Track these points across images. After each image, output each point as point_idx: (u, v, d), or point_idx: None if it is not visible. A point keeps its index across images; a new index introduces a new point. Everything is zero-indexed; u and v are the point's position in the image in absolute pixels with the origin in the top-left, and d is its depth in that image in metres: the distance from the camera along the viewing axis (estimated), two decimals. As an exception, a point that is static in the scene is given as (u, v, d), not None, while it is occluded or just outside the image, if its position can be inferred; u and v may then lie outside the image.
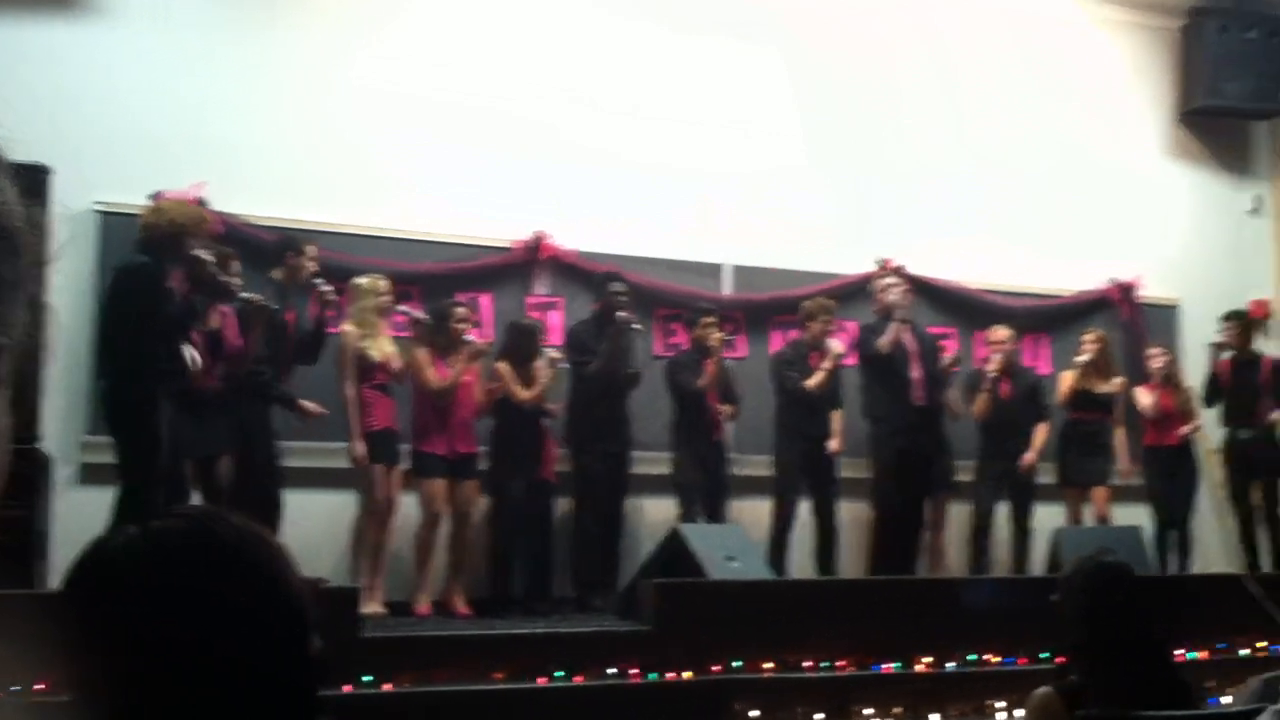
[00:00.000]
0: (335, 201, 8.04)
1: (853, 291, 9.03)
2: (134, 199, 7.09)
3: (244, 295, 6.55)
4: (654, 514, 8.01)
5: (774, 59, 9.48)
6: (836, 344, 8.11)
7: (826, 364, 8.06)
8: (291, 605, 1.34)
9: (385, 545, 7.21)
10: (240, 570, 1.31)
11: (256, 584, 1.31)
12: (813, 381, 8.04)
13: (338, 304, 7.09)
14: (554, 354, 7.76)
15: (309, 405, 6.95)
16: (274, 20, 8.21)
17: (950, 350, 8.42)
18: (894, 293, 7.93)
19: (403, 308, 7.47)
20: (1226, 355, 8.84)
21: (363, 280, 7.33)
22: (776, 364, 8.30)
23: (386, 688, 5.51)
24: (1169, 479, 8.78)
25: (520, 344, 7.73)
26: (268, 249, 7.29)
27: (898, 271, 8.30)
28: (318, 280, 6.99)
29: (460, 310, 7.57)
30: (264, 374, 6.78)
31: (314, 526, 7.09)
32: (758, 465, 8.37)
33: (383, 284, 7.35)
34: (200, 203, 7.26)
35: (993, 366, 8.55)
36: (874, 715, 5.87)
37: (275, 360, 6.88)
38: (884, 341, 7.83)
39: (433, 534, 7.38)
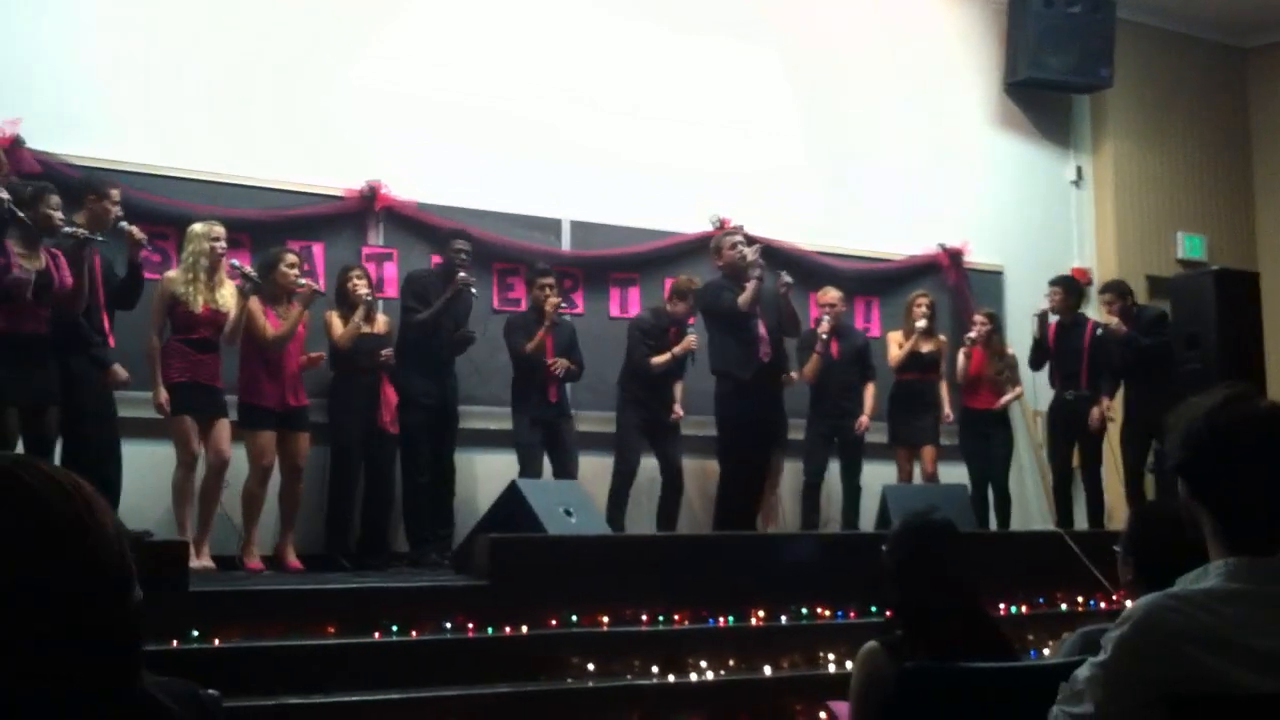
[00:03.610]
0: (161, 143, 7.78)
1: (689, 249, 9.13)
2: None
3: (66, 230, 6.18)
4: (498, 469, 7.97)
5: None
6: (695, 338, 8.24)
7: (678, 349, 8.25)
8: (105, 556, 1.31)
9: (213, 499, 7.02)
10: (49, 519, 1.29)
11: (66, 533, 1.29)
12: (660, 359, 8.20)
13: (147, 243, 6.77)
14: (365, 292, 7.62)
15: (119, 372, 6.59)
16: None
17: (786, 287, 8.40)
18: (751, 252, 7.92)
19: (235, 262, 7.17)
20: (1053, 320, 9.08)
21: (198, 226, 7.06)
22: (634, 330, 8.38)
23: (215, 643, 5.38)
24: (983, 440, 9.05)
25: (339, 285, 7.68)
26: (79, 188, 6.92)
27: (736, 231, 8.35)
28: (124, 223, 6.63)
29: (290, 257, 7.40)
30: (84, 326, 6.44)
31: (148, 480, 6.90)
32: (599, 422, 8.39)
33: (218, 229, 7.06)
34: (16, 141, 6.99)
35: (824, 328, 8.72)
36: (708, 668, 5.95)
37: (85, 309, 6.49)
38: (744, 299, 7.75)
39: (262, 488, 7.23)
